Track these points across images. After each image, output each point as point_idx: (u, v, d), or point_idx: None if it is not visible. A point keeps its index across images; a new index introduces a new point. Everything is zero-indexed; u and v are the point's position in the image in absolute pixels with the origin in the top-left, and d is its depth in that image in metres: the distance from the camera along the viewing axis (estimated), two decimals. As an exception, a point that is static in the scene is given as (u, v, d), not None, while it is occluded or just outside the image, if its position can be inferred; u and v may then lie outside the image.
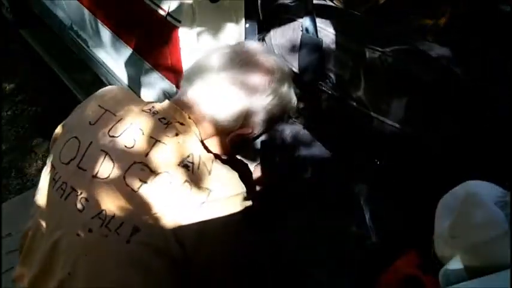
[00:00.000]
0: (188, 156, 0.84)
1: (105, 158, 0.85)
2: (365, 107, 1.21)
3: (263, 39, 1.41)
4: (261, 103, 0.91)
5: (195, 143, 0.88)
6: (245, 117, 0.91)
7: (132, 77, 1.64)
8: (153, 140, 0.85)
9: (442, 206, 0.68)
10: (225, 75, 0.89)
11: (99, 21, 1.65)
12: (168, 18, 1.22)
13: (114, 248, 0.80)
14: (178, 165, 0.83)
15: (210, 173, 0.84)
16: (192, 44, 1.24)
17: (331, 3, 1.27)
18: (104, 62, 1.80)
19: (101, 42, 1.73)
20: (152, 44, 1.39)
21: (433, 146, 1.12)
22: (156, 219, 0.79)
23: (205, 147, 0.91)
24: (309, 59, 1.29)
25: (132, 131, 0.87)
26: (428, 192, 0.82)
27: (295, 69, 1.38)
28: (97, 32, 1.71)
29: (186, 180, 0.81)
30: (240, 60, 0.91)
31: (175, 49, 1.27)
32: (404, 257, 0.91)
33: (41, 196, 0.94)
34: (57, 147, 0.93)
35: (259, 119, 0.93)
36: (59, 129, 0.99)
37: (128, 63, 1.61)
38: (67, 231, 0.84)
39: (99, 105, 0.92)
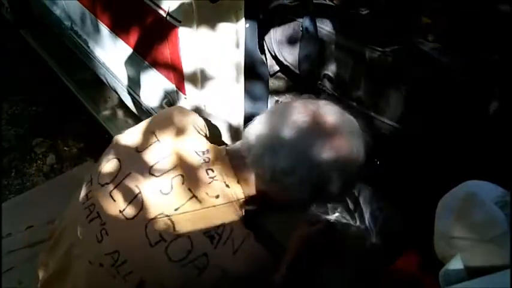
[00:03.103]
0: (218, 227, 0.78)
1: (136, 197, 0.81)
2: (365, 107, 1.22)
3: (263, 40, 1.42)
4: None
5: (233, 213, 0.81)
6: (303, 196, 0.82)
7: (132, 76, 1.64)
8: (190, 194, 0.80)
9: (442, 206, 0.68)
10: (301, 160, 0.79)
11: (99, 21, 1.65)
12: (168, 18, 1.22)
13: None
14: (204, 233, 0.77)
15: (234, 253, 0.77)
16: (192, 44, 1.24)
17: (331, 3, 1.26)
18: (103, 62, 1.80)
19: (101, 42, 1.73)
20: (152, 44, 1.39)
21: (433, 146, 1.12)
22: (164, 279, 0.76)
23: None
24: (308, 54, 1.29)
25: (173, 175, 0.81)
26: (428, 192, 0.82)
27: (296, 70, 1.38)
28: (97, 32, 1.71)
29: (204, 254, 0.76)
30: (320, 141, 0.79)
31: (175, 49, 1.27)
32: (404, 257, 0.91)
33: (77, 199, 0.91)
34: (101, 161, 0.90)
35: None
36: (114, 140, 0.94)
37: (128, 63, 1.61)
38: (82, 253, 0.84)
39: (153, 132, 0.87)
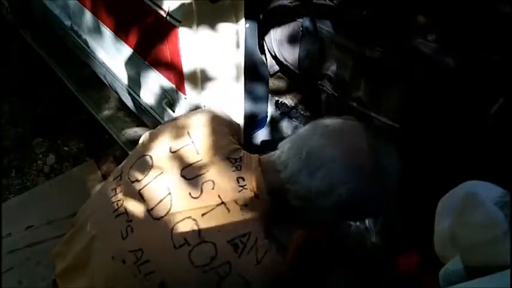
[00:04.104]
0: (243, 236, 0.78)
1: (165, 197, 0.81)
2: (365, 107, 1.21)
3: (263, 40, 1.42)
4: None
5: (259, 224, 0.80)
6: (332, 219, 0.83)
7: (132, 76, 1.64)
8: (219, 201, 0.79)
9: (442, 206, 0.68)
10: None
11: (99, 21, 1.65)
12: (168, 18, 1.22)
13: None
14: (229, 241, 0.77)
15: (258, 263, 0.77)
16: (192, 44, 1.24)
17: (331, 3, 1.26)
18: (104, 62, 1.80)
19: (101, 42, 1.73)
20: (152, 44, 1.39)
21: (433, 146, 1.12)
22: (184, 283, 0.76)
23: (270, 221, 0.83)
24: (308, 54, 1.29)
25: (204, 179, 0.81)
26: (428, 192, 0.82)
27: (296, 70, 1.38)
28: (97, 32, 1.71)
29: (227, 262, 0.76)
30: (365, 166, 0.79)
31: (175, 49, 1.27)
32: (404, 256, 0.91)
33: (103, 192, 0.91)
34: (132, 158, 0.89)
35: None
36: (147, 134, 0.94)
37: (128, 63, 1.61)
38: (105, 248, 0.84)
39: (189, 133, 0.87)
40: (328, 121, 0.88)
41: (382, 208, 0.90)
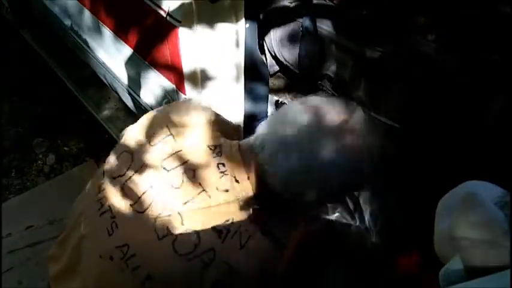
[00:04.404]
0: (227, 221, 0.78)
1: (147, 190, 0.81)
2: (365, 107, 1.21)
3: (263, 40, 1.42)
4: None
5: (241, 208, 0.81)
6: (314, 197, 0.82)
7: (132, 77, 1.64)
8: (200, 189, 0.80)
9: (442, 206, 0.68)
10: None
11: (99, 21, 1.65)
12: (168, 18, 1.22)
13: (129, 287, 0.78)
14: (212, 228, 0.77)
15: (241, 247, 0.77)
16: (192, 44, 1.24)
17: (331, 3, 1.26)
18: (104, 62, 1.80)
19: (101, 42, 1.73)
20: (152, 44, 1.39)
21: (433, 146, 1.12)
22: (170, 274, 0.76)
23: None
24: (308, 54, 1.29)
25: (184, 169, 0.81)
26: (428, 192, 0.82)
27: (296, 70, 1.39)
28: (97, 32, 1.71)
29: (211, 248, 0.76)
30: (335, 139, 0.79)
31: (175, 49, 1.27)
32: (404, 256, 0.91)
33: (89, 191, 0.92)
34: (113, 154, 0.90)
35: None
36: (126, 131, 0.94)
37: (128, 63, 1.61)
38: (93, 247, 0.84)
39: (167, 126, 0.87)
40: (304, 99, 0.88)
41: (363, 181, 0.90)
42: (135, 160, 0.85)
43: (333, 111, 0.82)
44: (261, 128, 0.87)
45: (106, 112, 2.05)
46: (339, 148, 0.79)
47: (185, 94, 1.36)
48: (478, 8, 1.05)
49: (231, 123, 1.04)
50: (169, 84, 1.42)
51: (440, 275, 0.63)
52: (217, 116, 0.94)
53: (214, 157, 0.83)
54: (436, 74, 1.07)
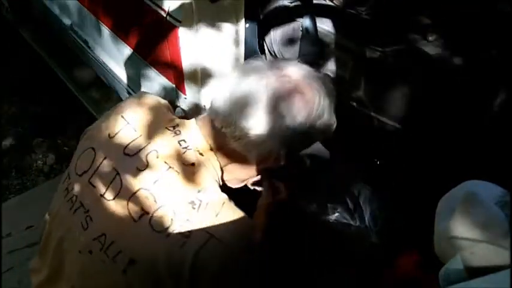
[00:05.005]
0: (198, 192, 0.80)
1: (115, 178, 0.82)
2: (365, 107, 1.21)
3: (263, 40, 1.42)
4: (298, 134, 0.83)
5: (210, 179, 0.83)
6: (276, 151, 0.84)
7: (132, 77, 1.64)
8: (166, 166, 0.81)
9: (442, 206, 0.68)
10: (264, 112, 0.81)
11: (99, 21, 1.65)
12: (168, 18, 1.22)
13: (111, 277, 0.79)
14: (185, 200, 0.78)
15: (216, 215, 0.78)
16: (192, 44, 1.24)
17: (331, 3, 1.26)
18: (104, 62, 1.80)
19: (101, 42, 1.73)
20: (152, 44, 1.39)
21: (433, 146, 1.12)
22: (151, 254, 0.77)
23: (222, 179, 0.86)
24: (308, 54, 1.29)
25: (147, 151, 0.83)
26: (428, 192, 0.82)
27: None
28: (97, 32, 1.71)
29: (187, 220, 0.77)
30: (280, 94, 0.81)
31: (175, 49, 1.27)
32: (404, 256, 0.91)
33: (57, 196, 0.93)
34: (76, 154, 0.91)
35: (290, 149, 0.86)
36: (84, 133, 0.97)
37: (128, 63, 1.61)
38: (72, 245, 0.85)
39: (122, 116, 0.90)
40: (251, 60, 0.90)
41: (316, 139, 0.93)
42: (97, 154, 0.86)
43: (281, 67, 0.85)
44: (214, 96, 0.89)
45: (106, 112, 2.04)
46: (290, 103, 0.81)
47: (185, 94, 1.36)
48: (478, 8, 1.05)
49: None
50: (169, 84, 1.42)
51: (440, 275, 0.63)
52: (167, 102, 0.97)
53: (173, 136, 0.85)
54: (436, 74, 1.07)
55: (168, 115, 0.91)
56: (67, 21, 1.94)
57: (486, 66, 1.02)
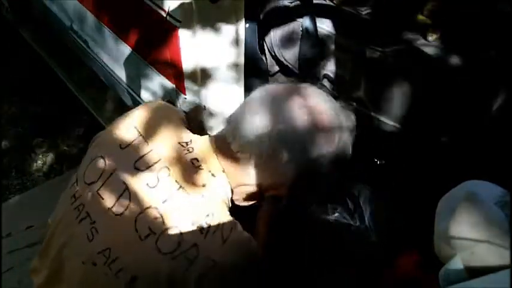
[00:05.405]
0: (207, 216, 0.78)
1: (123, 192, 0.81)
2: (365, 107, 1.22)
3: (263, 40, 1.42)
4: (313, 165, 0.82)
5: (220, 202, 0.81)
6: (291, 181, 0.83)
7: (132, 77, 1.64)
8: (177, 186, 0.80)
9: (442, 206, 0.68)
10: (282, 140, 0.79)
11: (99, 21, 1.65)
12: (168, 18, 1.22)
13: None
14: (194, 224, 0.77)
15: (224, 242, 0.77)
16: (192, 44, 1.24)
17: (331, 3, 1.26)
18: (104, 62, 1.80)
19: (101, 42, 1.73)
20: (152, 44, 1.39)
21: (433, 146, 1.12)
22: (155, 273, 0.76)
23: (231, 200, 0.84)
24: (308, 54, 1.29)
25: (158, 168, 0.81)
26: (428, 192, 0.82)
27: (296, 70, 1.38)
28: (97, 32, 1.71)
29: (194, 244, 0.75)
30: (302, 120, 0.80)
31: (175, 49, 1.27)
32: (404, 256, 0.91)
33: (63, 202, 0.91)
34: (85, 161, 0.90)
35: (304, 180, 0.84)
36: (93, 140, 0.94)
37: (128, 63, 1.61)
38: (74, 254, 0.84)
39: (135, 127, 0.87)
40: (273, 85, 0.89)
41: (340, 160, 0.90)
42: (107, 165, 0.84)
43: (303, 94, 0.83)
44: (232, 116, 0.88)
45: (106, 112, 2.05)
46: (311, 130, 0.80)
47: (185, 94, 1.36)
48: (478, 8, 1.05)
49: (197, 119, 1.05)
50: (169, 84, 1.42)
51: (440, 275, 0.63)
52: (183, 113, 0.95)
53: (186, 153, 0.83)
54: (436, 74, 1.07)
55: (181, 129, 0.88)
56: (67, 21, 1.94)
57: (486, 66, 1.02)
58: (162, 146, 0.84)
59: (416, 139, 1.15)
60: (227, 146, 0.84)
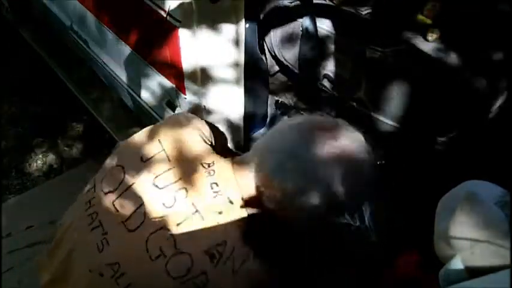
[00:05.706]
0: (220, 245, 0.76)
1: (139, 208, 0.80)
2: (365, 107, 1.22)
3: (263, 40, 1.42)
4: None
5: (235, 231, 0.78)
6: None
7: (132, 77, 1.64)
8: (193, 209, 0.78)
9: (442, 206, 0.68)
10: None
11: (99, 21, 1.65)
12: (168, 18, 1.22)
13: None
14: (205, 251, 0.75)
15: (234, 273, 0.75)
16: (192, 44, 1.24)
17: (331, 3, 1.27)
18: (104, 62, 1.80)
19: (101, 42, 1.73)
20: (152, 44, 1.39)
21: (433, 145, 1.12)
22: None
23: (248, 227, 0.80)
24: (308, 54, 1.29)
25: (176, 188, 0.79)
26: (428, 192, 0.82)
27: (296, 70, 1.39)
28: (97, 32, 1.71)
29: (204, 272, 0.74)
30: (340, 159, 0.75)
31: (175, 49, 1.27)
32: (404, 256, 0.91)
33: (77, 206, 0.90)
34: (104, 168, 0.88)
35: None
36: (116, 147, 0.92)
37: (128, 63, 1.61)
38: (82, 260, 0.83)
39: (159, 140, 0.85)
40: (300, 118, 0.85)
41: (362, 199, 0.87)
42: (127, 176, 0.83)
43: (332, 131, 0.79)
44: (257, 145, 0.84)
45: (106, 112, 2.05)
46: (337, 168, 0.76)
47: (185, 94, 1.36)
48: (478, 8, 1.05)
49: (223, 133, 1.02)
50: (169, 84, 1.42)
51: (440, 275, 0.63)
52: (209, 129, 0.92)
53: (207, 176, 0.81)
54: (436, 74, 1.07)
55: (205, 148, 0.85)
56: (67, 21, 1.94)
57: (486, 65, 1.02)
58: (184, 165, 0.82)
59: (416, 139, 1.15)
60: (250, 175, 0.81)
